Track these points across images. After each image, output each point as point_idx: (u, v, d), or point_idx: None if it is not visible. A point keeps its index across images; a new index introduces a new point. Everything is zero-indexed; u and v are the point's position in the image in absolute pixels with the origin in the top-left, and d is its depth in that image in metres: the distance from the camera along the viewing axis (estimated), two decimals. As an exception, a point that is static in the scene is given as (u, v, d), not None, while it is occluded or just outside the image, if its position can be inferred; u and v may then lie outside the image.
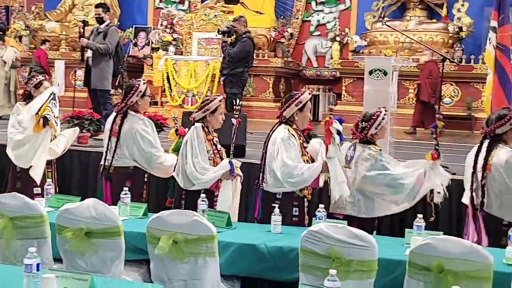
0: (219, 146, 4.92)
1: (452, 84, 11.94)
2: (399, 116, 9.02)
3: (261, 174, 4.70)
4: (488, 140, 4.58)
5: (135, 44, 14.59)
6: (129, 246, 3.71)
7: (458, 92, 11.96)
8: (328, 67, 13.69)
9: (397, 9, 13.61)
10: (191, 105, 11.05)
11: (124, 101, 5.15)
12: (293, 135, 4.64)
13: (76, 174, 6.98)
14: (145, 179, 5.25)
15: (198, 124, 4.82)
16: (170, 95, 11.40)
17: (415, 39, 11.12)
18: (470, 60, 12.01)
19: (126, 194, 4.31)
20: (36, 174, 5.39)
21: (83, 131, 7.43)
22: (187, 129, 4.98)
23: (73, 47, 14.12)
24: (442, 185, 4.64)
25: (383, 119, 4.68)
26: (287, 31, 13.43)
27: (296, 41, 14.17)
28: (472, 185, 4.59)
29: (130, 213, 4.30)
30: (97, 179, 5.64)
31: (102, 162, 5.24)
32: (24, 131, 5.46)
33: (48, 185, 4.66)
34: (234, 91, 8.91)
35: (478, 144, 4.65)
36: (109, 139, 5.17)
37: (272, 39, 13.22)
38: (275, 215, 4.07)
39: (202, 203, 4.13)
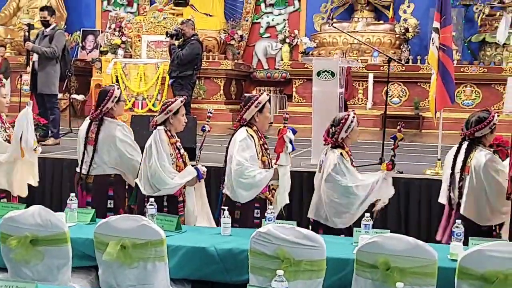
0: (182, 150, 4.86)
1: (400, 84, 12.17)
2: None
3: (222, 178, 4.75)
4: (467, 142, 4.62)
5: (83, 48, 14.39)
6: (77, 253, 3.66)
7: (406, 92, 12.19)
8: (278, 69, 13.79)
9: (345, 11, 13.81)
10: (141, 108, 10.94)
11: (98, 108, 4.96)
12: (251, 136, 4.69)
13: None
14: (126, 186, 5.06)
15: (161, 127, 4.74)
16: (120, 98, 11.25)
17: (363, 41, 11.32)
18: (417, 60, 12.26)
19: (72, 200, 4.23)
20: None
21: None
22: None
23: (18, 51, 13.83)
24: (387, 198, 4.75)
25: (351, 122, 4.71)
26: (237, 33, 13.45)
27: (246, 43, 14.22)
28: (450, 185, 4.65)
29: (77, 219, 4.23)
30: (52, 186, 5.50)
31: (78, 171, 5.04)
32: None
33: None
34: (183, 93, 8.87)
35: (457, 145, 4.71)
36: (85, 148, 4.98)
37: (222, 41, 13.22)
38: (224, 217, 4.06)
39: (151, 207, 4.09)
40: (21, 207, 3.98)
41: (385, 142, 6.94)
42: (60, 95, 8.62)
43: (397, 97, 12.20)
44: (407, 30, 12.67)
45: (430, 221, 5.89)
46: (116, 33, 12.99)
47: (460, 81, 11.28)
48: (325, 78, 6.54)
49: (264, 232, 3.36)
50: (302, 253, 3.29)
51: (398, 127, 4.71)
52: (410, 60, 12.35)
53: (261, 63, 14.24)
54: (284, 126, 4.70)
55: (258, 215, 4.70)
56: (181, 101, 4.84)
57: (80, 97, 13.27)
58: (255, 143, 4.73)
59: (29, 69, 8.53)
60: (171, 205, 4.69)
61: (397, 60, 9.45)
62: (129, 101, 11.08)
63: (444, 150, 6.68)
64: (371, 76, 11.74)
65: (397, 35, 12.72)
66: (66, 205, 4.28)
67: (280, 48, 13.77)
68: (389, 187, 4.73)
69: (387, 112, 7.96)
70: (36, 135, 6.27)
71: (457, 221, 3.79)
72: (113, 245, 3.40)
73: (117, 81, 11.19)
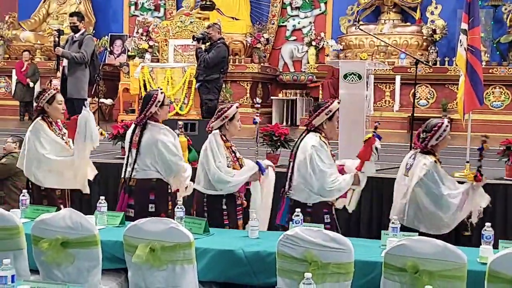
0: (237, 153, 4.90)
1: (427, 86, 12.07)
2: (375, 119, 9.09)
3: (288, 182, 4.69)
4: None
5: (111, 52, 14.55)
6: (107, 255, 3.71)
7: (433, 94, 12.09)
8: (304, 72, 13.77)
9: (371, 13, 13.75)
10: (169, 112, 11.01)
11: (142, 112, 4.96)
12: (324, 142, 4.64)
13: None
14: (169, 191, 5.00)
15: (216, 131, 4.80)
16: (148, 102, 11.35)
17: (390, 43, 11.26)
18: (445, 62, 12.15)
19: (102, 203, 4.29)
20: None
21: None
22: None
23: (48, 56, 14.03)
24: (481, 207, 4.72)
25: (444, 130, 4.70)
26: (263, 36, 13.48)
27: (272, 46, 14.24)
28: None
29: (107, 222, 4.28)
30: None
31: (122, 175, 5.06)
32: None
33: (23, 195, 4.61)
34: (210, 97, 8.93)
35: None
36: (129, 151, 5.01)
37: (248, 44, 13.26)
38: (252, 220, 4.08)
39: (179, 210, 4.13)
40: (52, 210, 4.05)
41: (412, 144, 6.89)
42: (89, 100, 8.72)
43: (425, 99, 12.11)
44: (434, 31, 12.56)
45: (460, 222, 5.82)
46: (144, 38, 13.12)
47: (489, 83, 11.16)
48: (352, 80, 6.52)
49: (291, 235, 3.37)
50: (329, 256, 3.29)
51: (483, 139, 4.73)
52: (438, 62, 12.24)
53: (287, 66, 14.24)
54: (373, 135, 4.68)
55: (329, 220, 4.62)
56: (237, 107, 4.89)
57: (108, 101, 13.42)
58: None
59: (59, 74, 8.66)
60: (230, 206, 4.74)
61: (424, 62, 9.40)
62: (156, 105, 11.16)
63: (472, 152, 6.63)
64: (398, 78, 11.66)
65: (424, 37, 12.62)
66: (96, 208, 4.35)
67: (306, 51, 13.77)
68: (482, 195, 4.71)
69: (415, 115, 7.90)
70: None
71: (486, 224, 3.75)
72: (142, 247, 3.44)
73: (145, 85, 11.31)
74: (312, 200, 4.59)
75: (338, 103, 4.81)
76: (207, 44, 9.07)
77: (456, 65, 9.40)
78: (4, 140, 6.91)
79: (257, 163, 4.86)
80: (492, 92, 11.69)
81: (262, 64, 13.18)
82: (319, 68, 12.72)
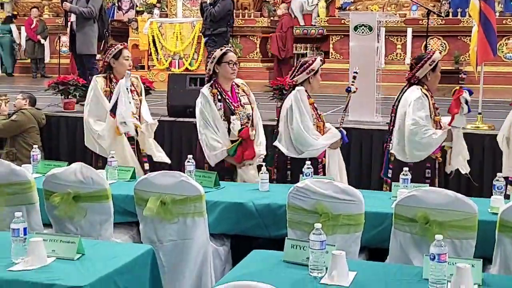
0: (318, 110, 4.83)
1: (439, 38, 11.90)
2: (386, 72, 9.01)
3: (388, 136, 4.73)
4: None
5: (119, 8, 14.41)
6: (118, 209, 3.73)
7: (445, 46, 11.93)
8: (315, 25, 13.59)
9: (383, -36, 13.46)
10: (178, 68, 10.96)
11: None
12: (425, 95, 4.57)
13: (64, 140, 6.97)
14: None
15: (301, 88, 4.67)
16: (157, 58, 11.31)
17: (402, -6, 11.07)
18: (457, 13, 11.94)
19: (113, 157, 4.30)
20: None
21: (69, 97, 7.39)
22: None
23: (56, 12, 13.92)
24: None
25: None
26: (272, -10, 13.29)
27: (282, 0, 14.03)
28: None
29: (118, 176, 4.30)
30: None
31: None
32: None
33: (34, 151, 4.62)
34: None
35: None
36: None
37: (257, -2, 13.09)
38: (262, 173, 4.08)
39: (189, 164, 4.13)
40: (63, 165, 4.07)
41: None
42: (98, 56, 8.68)
43: (437, 51, 11.94)
44: (447, -18, 12.32)
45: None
46: (152, -7, 12.99)
47: (502, 34, 10.96)
48: (363, 32, 6.44)
49: (302, 187, 3.37)
50: (340, 208, 3.29)
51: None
52: (450, 13, 12.03)
53: (298, 20, 14.05)
54: (460, 87, 4.61)
55: (429, 175, 4.61)
56: (321, 60, 4.81)
57: (118, 58, 13.34)
58: (429, 102, 4.58)
59: (67, 30, 8.60)
60: (312, 166, 4.64)
61: (436, 13, 9.23)
62: (166, 61, 11.12)
63: (485, 104, 6.57)
64: (409, 30, 11.48)
65: (436, -12, 12.39)
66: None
67: (317, 4, 13.57)
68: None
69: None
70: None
71: (498, 174, 3.73)
72: (153, 201, 3.46)
73: (154, 41, 11.22)
74: (409, 156, 4.57)
75: (440, 53, 4.77)
76: None
77: (469, 16, 9.25)
78: (14, 97, 6.93)
79: (340, 131, 4.77)
80: (505, 43, 11.51)
81: (271, 18, 13.02)
82: (329, 21, 12.54)
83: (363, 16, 6.83)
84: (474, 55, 6.04)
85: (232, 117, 4.68)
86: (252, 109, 4.85)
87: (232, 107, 4.73)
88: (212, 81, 4.79)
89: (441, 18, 11.46)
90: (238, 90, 4.86)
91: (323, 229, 2.76)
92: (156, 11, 12.53)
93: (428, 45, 11.16)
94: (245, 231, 3.83)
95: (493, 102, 8.00)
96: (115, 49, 5.11)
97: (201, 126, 4.71)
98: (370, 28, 6.42)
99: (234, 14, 12.56)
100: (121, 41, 5.55)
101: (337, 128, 4.84)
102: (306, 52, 13.09)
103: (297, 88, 4.66)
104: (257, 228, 3.78)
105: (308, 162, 4.17)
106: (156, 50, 11.28)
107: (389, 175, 4.71)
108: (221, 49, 4.82)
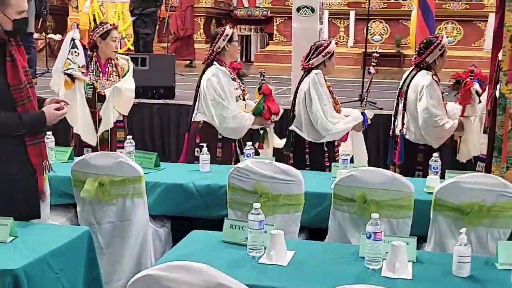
0: (334, 94, 4.78)
1: (381, 22, 12.06)
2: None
3: (401, 121, 4.72)
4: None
5: (59, -15, 14.00)
6: (55, 191, 3.62)
7: (387, 30, 12.10)
8: (259, 7, 13.56)
9: None
10: (120, 48, 10.73)
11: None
12: (436, 81, 4.61)
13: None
14: (219, 136, 4.61)
15: (318, 70, 4.61)
16: (98, 38, 11.03)
17: (345, -23, 11.15)
18: (399, -3, 12.13)
19: (49, 138, 4.18)
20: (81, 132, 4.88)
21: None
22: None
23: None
24: None
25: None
26: (216, -30, 13.17)
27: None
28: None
29: (55, 158, 4.19)
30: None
31: None
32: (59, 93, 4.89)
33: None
34: (147, 31, 8.72)
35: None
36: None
37: (201, -22, 12.94)
38: (203, 154, 4.05)
39: (129, 145, 4.06)
40: None
41: (364, 80, 6.92)
42: (36, 35, 8.43)
43: (379, 34, 12.11)
44: (389, -34, 12.46)
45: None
46: (93, -30, 12.64)
47: (441, 18, 11.19)
48: (305, 14, 6.45)
49: (242, 168, 3.37)
50: (280, 188, 3.31)
51: None
52: (392, -3, 12.20)
53: (242, 1, 13.99)
54: (470, 78, 4.66)
55: (421, 160, 4.67)
56: (336, 43, 4.75)
57: (57, 37, 12.99)
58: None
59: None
60: (331, 150, 4.69)
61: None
62: (108, 41, 10.85)
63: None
64: (352, 13, 11.61)
65: (379, -29, 12.53)
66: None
67: (261, -15, 13.54)
68: None
69: (368, 50, 7.90)
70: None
71: (434, 154, 3.82)
72: (90, 182, 3.39)
73: (95, 20, 10.95)
74: (419, 140, 4.66)
75: (447, 37, 4.82)
76: None
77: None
78: None
79: (363, 114, 4.74)
80: (445, 27, 11.76)
81: (215, -2, 12.93)
82: (273, 2, 12.53)
83: (306, -2, 6.83)
84: (414, 38, 6.15)
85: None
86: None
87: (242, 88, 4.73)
88: (215, 60, 4.61)
89: (383, 1, 11.61)
90: None
91: (263, 209, 2.76)
92: (97, -11, 12.22)
93: (370, 28, 11.34)
94: (185, 212, 3.81)
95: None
96: (103, 28, 4.95)
97: (221, 101, 4.48)
98: (313, 10, 6.43)
99: (177, -6, 12.46)
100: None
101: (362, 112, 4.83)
102: (250, 34, 13.05)
103: (314, 71, 4.62)
104: (197, 209, 3.76)
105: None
106: (97, 29, 11.00)
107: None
108: (230, 27, 4.73)
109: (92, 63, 4.95)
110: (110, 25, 5.03)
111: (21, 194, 2.99)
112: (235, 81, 4.65)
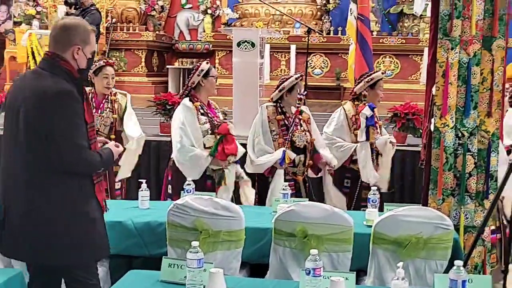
0: (293, 128, 4.77)
1: (321, 55, 12.26)
2: (271, 88, 9.14)
3: None
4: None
5: (-4, 18, 13.74)
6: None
7: (327, 63, 12.30)
8: (201, 40, 13.60)
9: (267, -18, 13.72)
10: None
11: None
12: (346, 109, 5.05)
13: None
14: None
15: (265, 104, 4.81)
16: (36, 71, 10.84)
17: (285, 12, 11.33)
18: (338, 31, 12.36)
19: None
20: None
21: None
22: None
23: None
24: None
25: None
26: (157, 3, 13.15)
27: (167, 14, 13.94)
28: None
29: None
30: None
31: None
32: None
33: None
34: None
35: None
36: None
37: (142, 12, 12.89)
38: (142, 190, 3.99)
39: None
40: None
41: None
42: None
43: (319, 68, 12.29)
44: (327, 1, 12.74)
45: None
46: (31, 3, 12.47)
47: (379, 52, 11.47)
48: (246, 48, 6.51)
49: (181, 204, 3.33)
50: (220, 224, 3.28)
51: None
52: (331, 31, 12.45)
53: (183, 35, 14.01)
54: (364, 103, 4.89)
55: (348, 184, 5.03)
56: (296, 78, 4.76)
57: (-6, 70, 12.72)
58: (346, 116, 5.04)
59: None
60: (261, 182, 4.80)
61: (316, 31, 9.51)
62: (46, 74, 10.67)
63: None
64: (293, 47, 11.75)
65: (318, 6, 12.79)
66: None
67: (202, 19, 13.59)
68: None
69: (309, 83, 8.01)
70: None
71: (372, 188, 3.86)
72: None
73: (33, 53, 10.77)
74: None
75: (382, 73, 5.21)
76: (79, 9, 8.73)
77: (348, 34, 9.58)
78: None
79: (283, 152, 4.67)
80: (383, 61, 12.03)
81: (157, 32, 12.90)
82: (215, 36, 12.59)
83: (246, 33, 6.92)
84: (352, 72, 6.27)
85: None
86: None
87: (215, 122, 4.62)
88: (189, 95, 4.63)
89: (322, 36, 11.83)
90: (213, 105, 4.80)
91: (203, 246, 2.73)
92: (35, 22, 12.03)
93: (311, 62, 11.52)
94: (124, 250, 3.71)
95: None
96: (96, 64, 4.90)
97: (179, 139, 4.48)
98: (253, 44, 6.50)
99: (119, 27, 12.38)
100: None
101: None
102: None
103: (262, 105, 4.88)
104: (136, 247, 3.68)
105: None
106: (36, 62, 10.82)
107: None
108: (207, 63, 4.76)
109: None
110: (104, 61, 4.97)
111: (98, 234, 2.99)
112: (204, 116, 4.60)
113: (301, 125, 4.76)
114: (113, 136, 4.91)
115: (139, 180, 4.10)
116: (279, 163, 4.65)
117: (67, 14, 8.85)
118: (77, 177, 2.85)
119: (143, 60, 12.54)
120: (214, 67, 12.40)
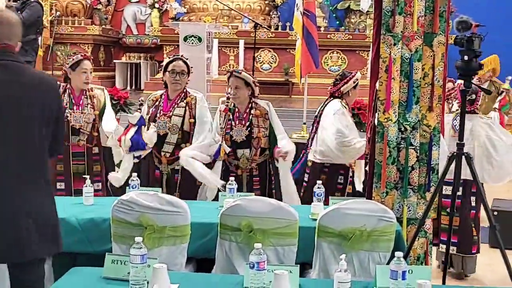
0: (238, 122, 4.80)
1: (270, 51, 12.31)
2: (220, 83, 9.13)
3: (310, 141, 5.11)
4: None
5: None
6: None
7: (276, 59, 12.36)
8: (148, 35, 13.48)
9: (215, -24, 13.68)
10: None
11: None
12: (345, 107, 5.01)
13: None
14: None
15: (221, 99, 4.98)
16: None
17: (233, 7, 11.32)
18: (286, 27, 12.44)
19: None
20: None
21: None
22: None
23: None
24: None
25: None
26: (104, -3, 12.98)
27: (114, 8, 13.75)
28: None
29: None
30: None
31: None
32: None
33: None
34: (28, 59, 8.38)
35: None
36: None
37: (88, 5, 12.70)
38: (86, 186, 3.93)
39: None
40: None
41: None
42: None
43: (268, 63, 12.35)
44: (276, -4, 12.82)
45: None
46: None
47: (326, 48, 11.61)
48: (192, 43, 6.48)
49: (126, 200, 3.29)
50: (165, 219, 3.26)
51: None
52: (279, 27, 12.51)
53: (131, 29, 13.85)
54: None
55: (341, 181, 5.02)
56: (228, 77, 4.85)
57: None
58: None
59: None
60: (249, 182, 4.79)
61: (264, 26, 9.55)
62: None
63: (309, 114, 6.88)
64: (241, 42, 11.76)
65: (266, 2, 12.84)
66: None
67: (150, 14, 13.46)
68: None
69: (258, 79, 8.00)
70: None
71: (318, 182, 3.90)
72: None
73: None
74: (329, 161, 4.94)
75: (361, 74, 5.29)
76: (19, 2, 8.51)
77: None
78: None
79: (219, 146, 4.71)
80: (330, 57, 12.18)
81: (103, 26, 12.72)
82: (163, 31, 12.49)
83: (193, 27, 6.89)
84: (299, 67, 6.31)
85: (152, 124, 4.61)
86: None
87: (158, 115, 4.63)
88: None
89: (270, 31, 11.88)
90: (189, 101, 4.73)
91: (148, 242, 2.70)
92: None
93: (259, 57, 11.55)
94: (68, 247, 3.60)
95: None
96: (74, 59, 4.78)
97: None
98: (200, 39, 6.48)
99: (63, 21, 12.15)
100: None
101: None
102: (140, 62, 12.91)
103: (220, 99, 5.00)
104: (80, 244, 3.61)
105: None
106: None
107: (305, 179, 5.10)
108: (169, 57, 4.79)
109: (66, 95, 4.77)
110: (81, 55, 4.86)
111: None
112: (153, 107, 4.75)
113: (250, 121, 4.76)
114: (95, 134, 4.87)
115: (83, 176, 4.04)
116: (214, 156, 4.72)
117: (6, 6, 8.57)
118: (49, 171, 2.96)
119: (89, 54, 12.35)
120: (162, 61, 12.41)
